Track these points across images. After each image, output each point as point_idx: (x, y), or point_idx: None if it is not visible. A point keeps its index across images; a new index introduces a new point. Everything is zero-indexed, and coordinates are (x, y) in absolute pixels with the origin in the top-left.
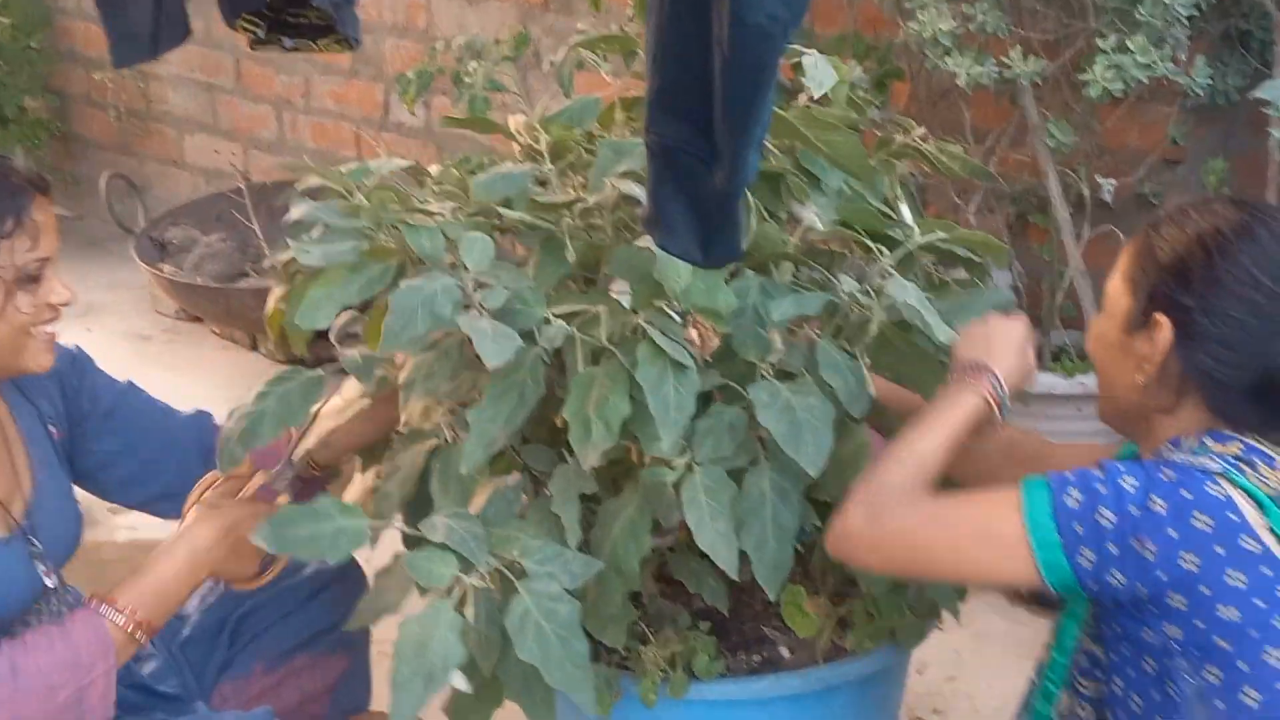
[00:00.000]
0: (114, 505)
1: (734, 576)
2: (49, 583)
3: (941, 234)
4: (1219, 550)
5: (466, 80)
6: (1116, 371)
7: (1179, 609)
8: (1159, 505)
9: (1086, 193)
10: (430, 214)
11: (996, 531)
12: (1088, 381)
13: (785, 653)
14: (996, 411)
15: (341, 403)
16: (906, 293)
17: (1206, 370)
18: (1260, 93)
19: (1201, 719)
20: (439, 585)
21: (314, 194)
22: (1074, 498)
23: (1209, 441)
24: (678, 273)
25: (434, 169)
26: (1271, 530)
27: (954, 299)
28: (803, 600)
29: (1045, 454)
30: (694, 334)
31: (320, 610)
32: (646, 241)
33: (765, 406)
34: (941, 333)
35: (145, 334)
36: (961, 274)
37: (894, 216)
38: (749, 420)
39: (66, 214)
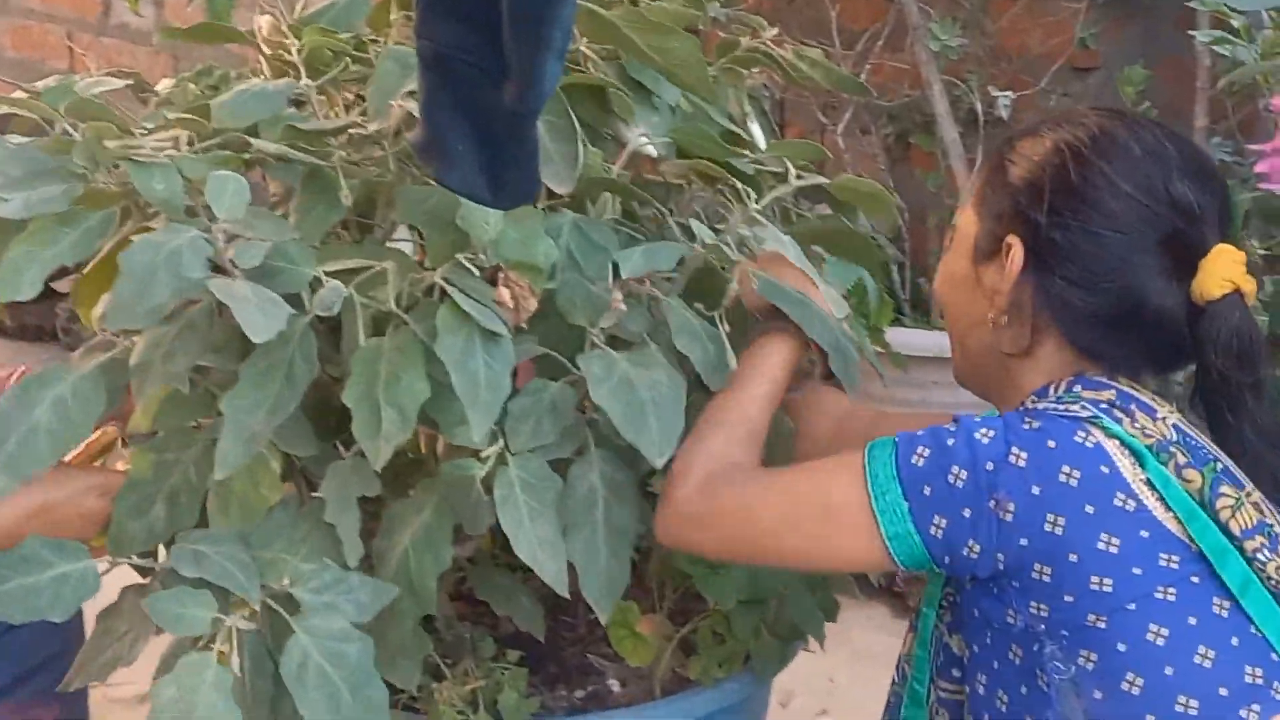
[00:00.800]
0: None
1: (563, 593)
2: None
3: (816, 177)
4: (1088, 510)
5: None
6: (966, 313)
7: (1044, 581)
8: (1019, 458)
9: (979, 108)
10: (161, 147)
11: (837, 501)
12: None
13: (615, 686)
14: (813, 353)
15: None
16: (781, 243)
17: (1062, 297)
18: None
19: (1076, 713)
20: (195, 634)
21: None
22: (921, 455)
23: (1079, 389)
24: (486, 218)
25: (164, 84)
26: (1150, 485)
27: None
28: (635, 620)
29: (883, 426)
30: (506, 294)
31: (20, 645)
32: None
33: (599, 382)
34: (838, 307)
35: None
36: (823, 209)
37: (744, 138)
38: (576, 400)
39: None
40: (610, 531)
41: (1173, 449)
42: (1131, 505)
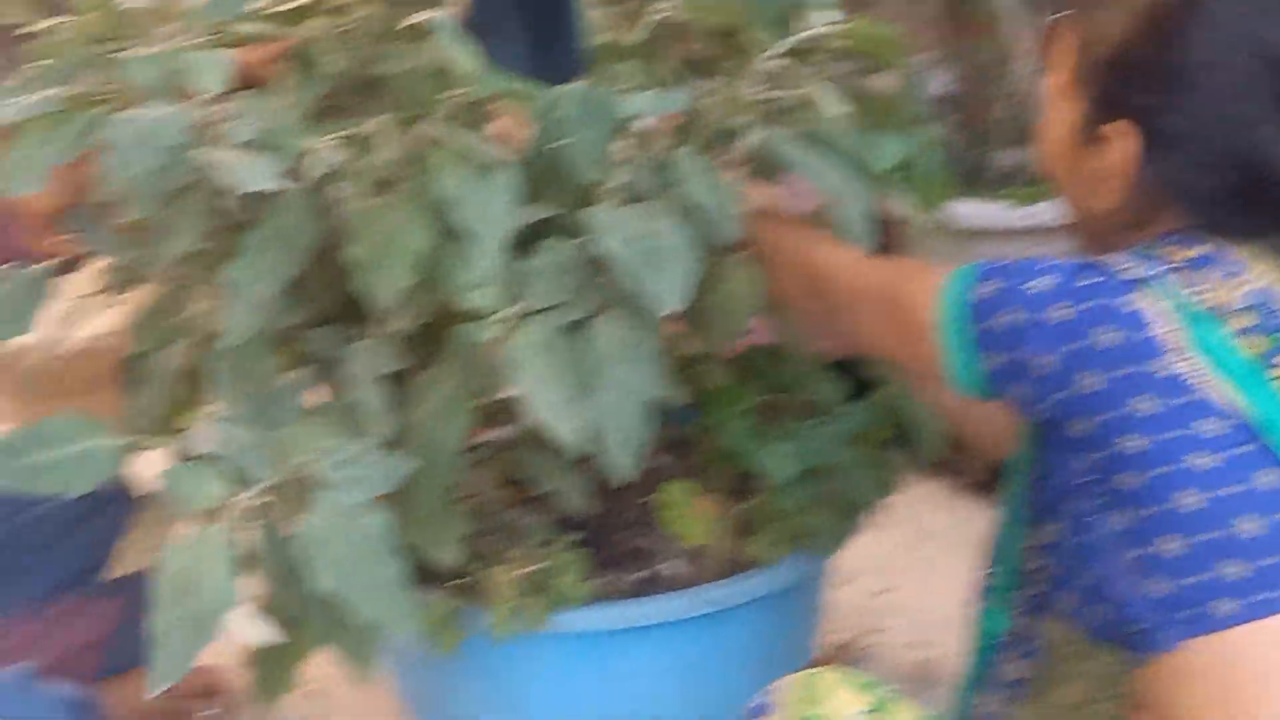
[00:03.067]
0: None
1: (580, 451)
2: None
3: (826, 27)
4: (1124, 371)
5: None
6: (1078, 190)
7: (1079, 438)
8: (1062, 313)
9: None
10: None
11: (914, 319)
12: (1045, 211)
13: (673, 568)
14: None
15: None
16: (825, 94)
17: (1181, 180)
18: None
19: (1118, 572)
20: (206, 506)
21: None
22: (988, 288)
23: (1168, 244)
24: (463, 50)
25: None
26: (1195, 351)
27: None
28: (689, 500)
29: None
30: (500, 126)
31: (87, 541)
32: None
33: (610, 231)
34: (832, 106)
35: None
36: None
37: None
38: (589, 262)
39: None
40: (627, 391)
41: (1237, 313)
42: (1171, 371)
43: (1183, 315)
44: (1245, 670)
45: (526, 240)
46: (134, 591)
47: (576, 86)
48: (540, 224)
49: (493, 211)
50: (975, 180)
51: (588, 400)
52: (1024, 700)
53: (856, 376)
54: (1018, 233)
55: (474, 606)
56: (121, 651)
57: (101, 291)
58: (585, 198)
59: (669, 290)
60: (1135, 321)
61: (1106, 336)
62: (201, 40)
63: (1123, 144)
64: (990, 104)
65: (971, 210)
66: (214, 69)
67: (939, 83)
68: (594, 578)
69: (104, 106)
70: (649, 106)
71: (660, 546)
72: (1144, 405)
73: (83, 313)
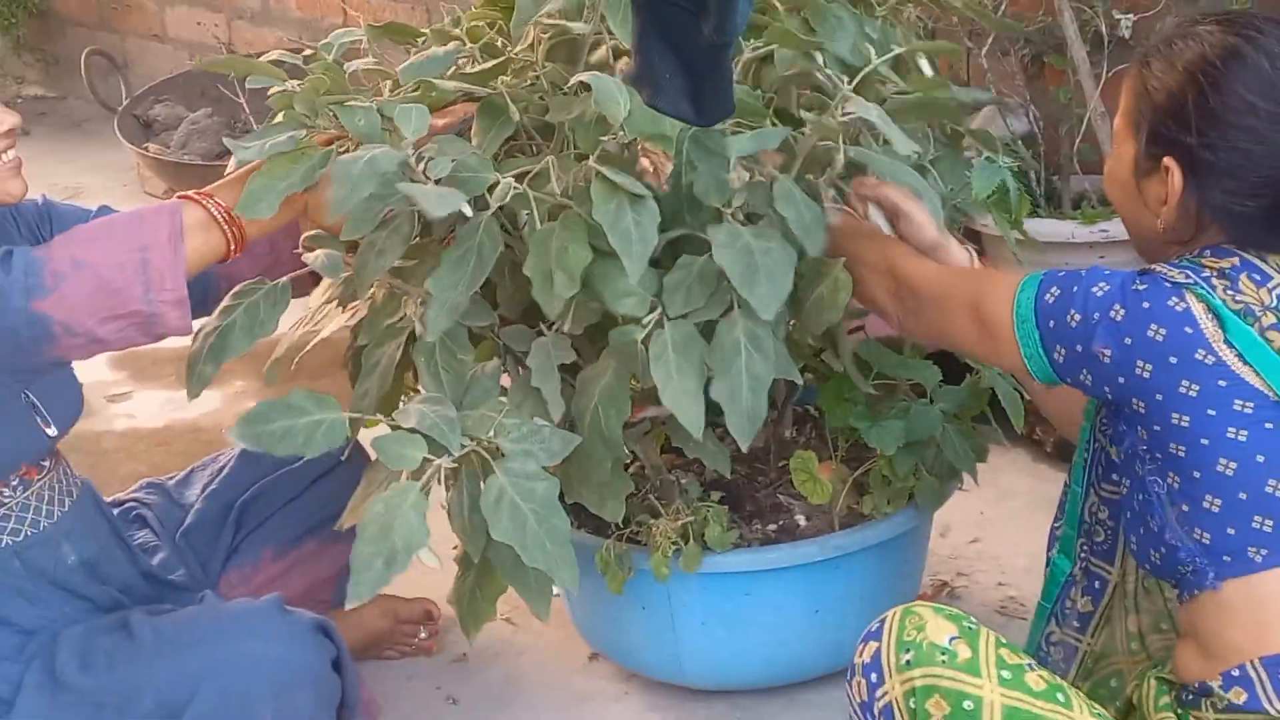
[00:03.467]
0: (112, 394)
1: (697, 436)
2: (50, 432)
3: (897, 48)
4: (1172, 360)
5: None
6: (1134, 213)
7: (1140, 413)
8: (1118, 313)
9: (1104, 30)
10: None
11: (994, 318)
12: (1110, 228)
13: (801, 520)
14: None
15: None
16: (867, 110)
17: (1223, 206)
18: None
19: (1173, 520)
20: (408, 468)
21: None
22: (1052, 294)
23: (1205, 256)
24: (615, 101)
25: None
26: (1229, 344)
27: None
28: (814, 466)
29: None
30: (645, 162)
31: (327, 495)
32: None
33: (723, 247)
34: (904, 145)
35: None
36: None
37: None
38: (716, 272)
39: (48, 94)
40: (750, 378)
41: (1265, 312)
42: (1210, 360)
43: (1219, 314)
44: (1274, 606)
45: (670, 255)
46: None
47: (693, 130)
48: (680, 241)
49: (638, 235)
50: (1051, 202)
51: (717, 385)
52: (1090, 631)
53: (955, 363)
54: (1084, 246)
55: (638, 552)
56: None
57: (331, 300)
58: (714, 218)
59: (763, 300)
60: (1181, 319)
61: (1158, 331)
62: (411, 94)
63: (1172, 178)
64: (1063, 140)
65: (1047, 227)
66: (416, 119)
67: (1021, 122)
68: (737, 528)
69: (331, 148)
70: (751, 146)
71: (792, 503)
72: (1188, 387)
73: (319, 316)
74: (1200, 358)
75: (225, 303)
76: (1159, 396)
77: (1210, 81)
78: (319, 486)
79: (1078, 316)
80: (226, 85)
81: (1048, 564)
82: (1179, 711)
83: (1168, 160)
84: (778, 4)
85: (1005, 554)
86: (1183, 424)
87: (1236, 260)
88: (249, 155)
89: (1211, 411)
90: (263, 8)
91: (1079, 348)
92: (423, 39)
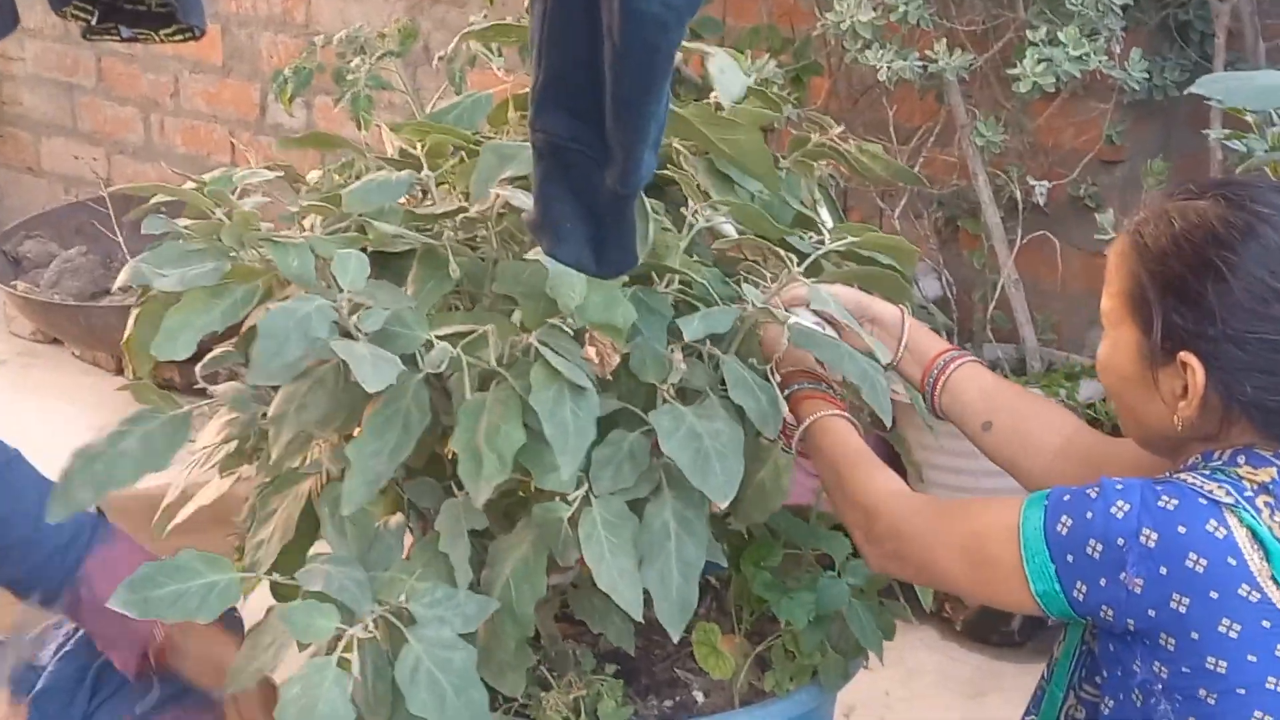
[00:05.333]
0: None
1: (637, 618)
2: None
3: (851, 238)
4: (1213, 595)
5: (349, 78)
6: (1140, 405)
7: (1168, 649)
8: (1149, 538)
9: (1019, 195)
10: (300, 230)
11: (994, 554)
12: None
13: (699, 696)
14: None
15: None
16: (825, 299)
17: (1253, 400)
18: (1198, 88)
19: None
20: (321, 640)
21: (173, 207)
22: (1065, 525)
23: (1241, 460)
24: (572, 287)
25: (313, 174)
26: (1275, 579)
27: None
28: (716, 639)
29: (1101, 450)
30: (592, 352)
31: None
32: (536, 254)
33: (669, 435)
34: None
35: None
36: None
37: (813, 220)
38: (650, 447)
39: None
40: (681, 563)
41: None
42: (1256, 597)
43: (1264, 543)
44: None
45: (602, 431)
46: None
47: (629, 298)
48: (614, 417)
49: (575, 428)
50: None
51: (646, 569)
52: None
53: None
54: None
55: None
56: None
57: (228, 441)
58: (650, 395)
59: (718, 489)
60: (1227, 549)
61: (1197, 562)
62: (345, 232)
63: (1194, 376)
64: (977, 307)
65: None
66: (356, 268)
67: (934, 286)
68: (632, 703)
69: (257, 281)
70: (700, 329)
71: (691, 677)
72: (1229, 627)
73: (211, 457)
74: (1245, 594)
75: (117, 428)
76: (1195, 635)
77: (1229, 266)
78: None
79: (1099, 547)
80: (103, 222)
81: None
82: None
83: (1185, 355)
84: (684, 163)
85: None
86: (1219, 669)
87: (1273, 472)
88: (168, 284)
89: (1252, 658)
90: (145, 141)
91: (1103, 580)
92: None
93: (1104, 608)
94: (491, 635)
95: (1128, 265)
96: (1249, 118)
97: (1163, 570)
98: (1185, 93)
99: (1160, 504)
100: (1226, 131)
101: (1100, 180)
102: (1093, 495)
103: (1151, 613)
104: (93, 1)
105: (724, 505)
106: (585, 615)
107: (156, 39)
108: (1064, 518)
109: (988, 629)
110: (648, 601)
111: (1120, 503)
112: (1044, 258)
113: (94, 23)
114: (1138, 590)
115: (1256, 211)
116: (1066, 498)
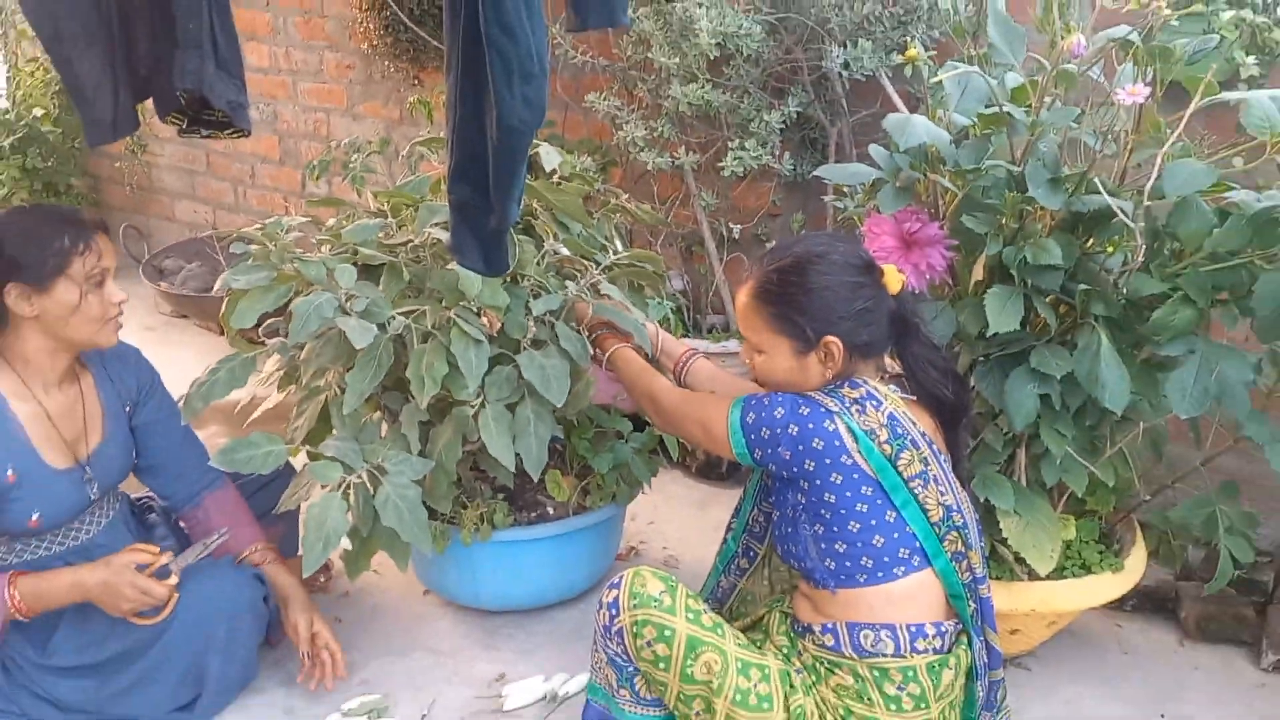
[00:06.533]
0: None
1: (512, 469)
2: (93, 495)
3: (628, 256)
4: (827, 461)
5: (350, 167)
6: (798, 383)
7: (804, 488)
8: (793, 429)
9: (725, 234)
10: (318, 253)
11: (716, 431)
12: (729, 346)
13: (550, 510)
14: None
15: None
16: (612, 290)
17: (863, 347)
18: (821, 173)
19: (813, 552)
20: (331, 482)
21: (250, 241)
22: (750, 417)
23: (845, 387)
24: (473, 283)
25: (330, 220)
26: (860, 453)
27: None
28: (559, 479)
29: (731, 383)
30: (485, 320)
31: (268, 496)
32: (453, 265)
33: (527, 367)
34: (635, 318)
35: (151, 326)
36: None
37: (609, 246)
38: (518, 374)
39: None
40: (536, 439)
41: (880, 429)
42: (849, 461)
43: (855, 433)
44: (863, 603)
45: (490, 363)
46: (290, 521)
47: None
48: (497, 357)
49: (476, 364)
50: (697, 328)
51: (518, 443)
52: (745, 578)
53: (640, 420)
54: (715, 355)
55: (454, 530)
56: (284, 548)
57: (280, 369)
58: (516, 345)
59: (555, 396)
60: (834, 435)
61: (818, 443)
62: (344, 254)
63: (836, 348)
64: (703, 295)
65: (693, 343)
66: (349, 275)
67: (679, 282)
68: (513, 515)
69: (292, 283)
70: (543, 307)
71: (545, 500)
72: (835, 477)
73: (269, 381)
74: (844, 461)
75: (214, 364)
76: (818, 481)
77: (823, 281)
78: (263, 491)
79: (767, 431)
80: (211, 249)
81: (722, 544)
82: (791, 636)
83: (828, 339)
84: (539, 213)
85: (669, 531)
86: (828, 500)
87: (862, 391)
88: (240, 284)
89: (848, 493)
90: (235, 203)
91: (769, 450)
92: (330, 224)
93: (770, 464)
94: (432, 480)
95: (761, 309)
96: (845, 189)
97: (800, 447)
98: (812, 175)
99: (799, 410)
100: (834, 197)
101: (768, 225)
102: (766, 402)
103: (795, 469)
104: (181, 113)
105: (560, 405)
106: (486, 466)
107: (221, 136)
108: (750, 414)
109: (710, 470)
110: (521, 460)
111: (778, 409)
112: (737, 268)
113: (184, 126)
114: (787, 457)
115: (816, 248)
116: (753, 402)
